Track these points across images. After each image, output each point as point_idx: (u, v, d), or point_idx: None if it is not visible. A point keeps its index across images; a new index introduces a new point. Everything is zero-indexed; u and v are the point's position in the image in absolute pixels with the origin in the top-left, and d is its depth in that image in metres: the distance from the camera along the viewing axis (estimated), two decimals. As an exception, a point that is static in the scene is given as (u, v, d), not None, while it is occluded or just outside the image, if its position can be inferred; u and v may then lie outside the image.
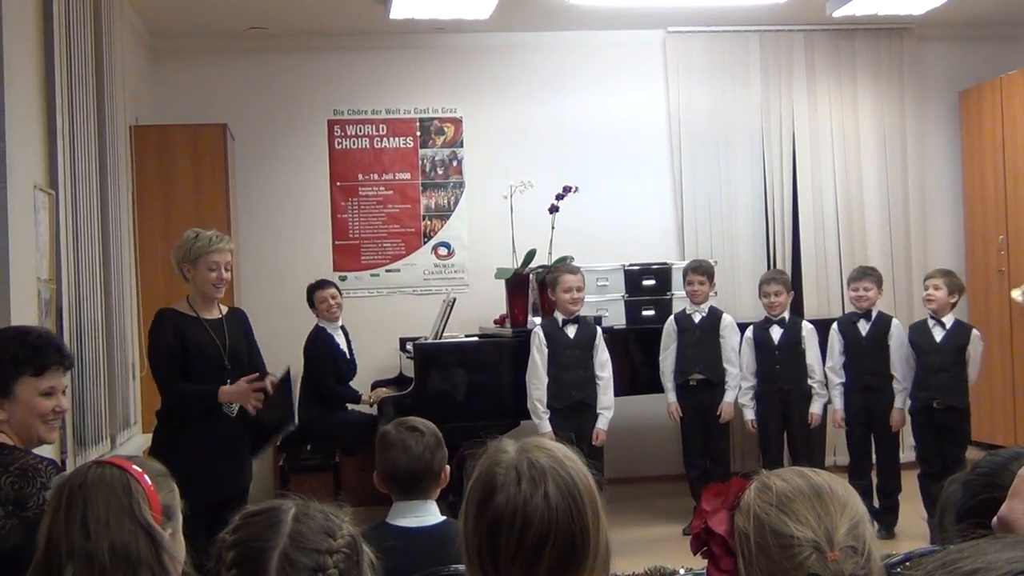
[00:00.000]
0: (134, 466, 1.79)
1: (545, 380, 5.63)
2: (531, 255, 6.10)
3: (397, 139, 7.33)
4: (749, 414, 6.01)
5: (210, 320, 4.20)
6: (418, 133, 7.34)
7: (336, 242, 7.24)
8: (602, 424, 5.64)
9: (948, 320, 5.66)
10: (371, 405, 6.16)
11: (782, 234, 7.47)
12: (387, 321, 7.08)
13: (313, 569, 1.45)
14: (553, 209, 6.19)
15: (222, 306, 4.32)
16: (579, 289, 5.67)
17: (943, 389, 5.59)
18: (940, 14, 6.96)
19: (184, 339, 4.10)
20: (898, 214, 7.58)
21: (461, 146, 7.37)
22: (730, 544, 1.47)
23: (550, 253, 6.16)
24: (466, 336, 6.35)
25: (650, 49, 7.46)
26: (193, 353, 4.11)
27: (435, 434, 2.78)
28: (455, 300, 6.31)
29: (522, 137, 7.32)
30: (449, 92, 7.34)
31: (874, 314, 5.86)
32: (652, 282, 6.39)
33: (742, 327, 6.05)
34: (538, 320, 5.87)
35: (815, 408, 5.90)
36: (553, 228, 6.17)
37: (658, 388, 6.13)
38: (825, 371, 5.91)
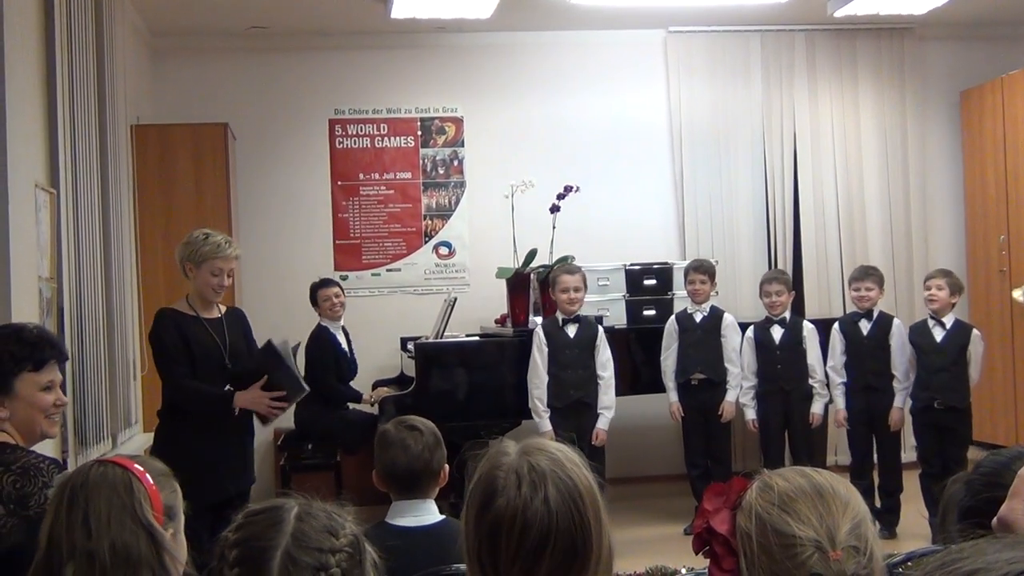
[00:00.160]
0: (136, 465, 1.79)
1: (545, 379, 5.64)
2: (532, 255, 6.10)
3: (398, 138, 7.33)
4: (750, 414, 6.01)
5: (210, 320, 4.20)
6: (419, 132, 7.35)
7: (337, 241, 7.25)
8: (602, 424, 5.64)
9: (948, 320, 5.66)
10: (372, 404, 6.16)
11: (783, 233, 7.47)
12: (388, 321, 7.09)
13: (316, 568, 1.44)
14: (554, 209, 6.19)
15: (221, 305, 4.31)
16: (576, 289, 5.66)
17: (944, 389, 5.59)
18: (941, 14, 6.95)
19: (186, 339, 4.10)
20: (899, 214, 7.58)
21: (462, 145, 7.37)
22: (732, 544, 1.47)
23: (551, 253, 6.16)
24: (467, 336, 6.35)
25: (651, 49, 7.46)
26: (195, 352, 4.11)
27: (434, 433, 2.78)
28: (456, 300, 6.31)
29: (523, 137, 7.32)
30: (450, 92, 7.35)
31: (875, 314, 5.86)
32: (653, 282, 6.39)
33: (743, 327, 6.05)
34: (539, 320, 5.88)
35: (816, 408, 5.90)
36: (554, 228, 6.17)
37: (659, 388, 6.13)
38: (826, 371, 5.91)
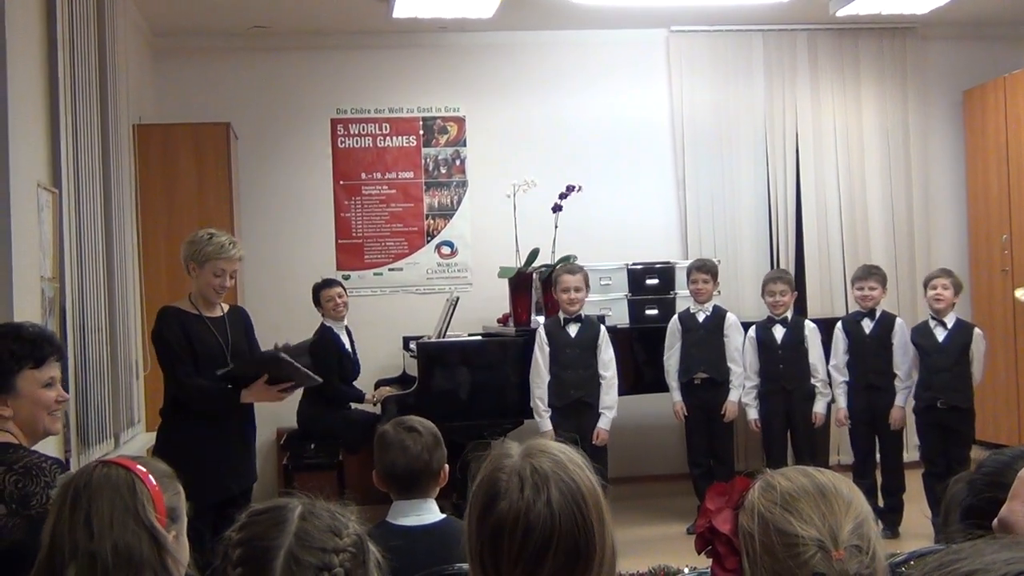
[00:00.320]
0: (140, 467, 1.78)
1: (547, 379, 5.65)
2: (534, 254, 6.10)
3: (400, 138, 7.33)
4: (752, 413, 6.00)
5: (212, 318, 4.20)
6: (421, 132, 7.35)
7: (339, 241, 7.25)
8: (603, 424, 5.64)
9: (950, 320, 5.66)
10: (375, 404, 6.16)
11: (785, 233, 7.47)
12: (390, 320, 7.09)
13: (319, 568, 1.44)
14: (556, 208, 6.20)
15: (223, 304, 4.31)
16: (577, 289, 5.66)
17: (946, 389, 5.59)
18: (944, 13, 6.95)
19: (189, 337, 4.10)
20: (901, 213, 7.57)
21: (464, 145, 7.37)
22: (734, 543, 1.47)
23: (553, 252, 6.16)
24: (469, 335, 6.35)
25: (653, 48, 7.47)
26: (197, 351, 4.11)
27: (433, 433, 2.77)
28: (458, 299, 6.31)
29: (525, 136, 7.32)
30: (452, 91, 7.35)
31: (878, 313, 5.86)
32: (656, 281, 6.40)
33: (745, 326, 6.05)
34: (542, 319, 5.88)
35: (818, 407, 5.89)
36: (556, 227, 6.17)
37: (662, 387, 6.12)
38: (829, 370, 5.91)
